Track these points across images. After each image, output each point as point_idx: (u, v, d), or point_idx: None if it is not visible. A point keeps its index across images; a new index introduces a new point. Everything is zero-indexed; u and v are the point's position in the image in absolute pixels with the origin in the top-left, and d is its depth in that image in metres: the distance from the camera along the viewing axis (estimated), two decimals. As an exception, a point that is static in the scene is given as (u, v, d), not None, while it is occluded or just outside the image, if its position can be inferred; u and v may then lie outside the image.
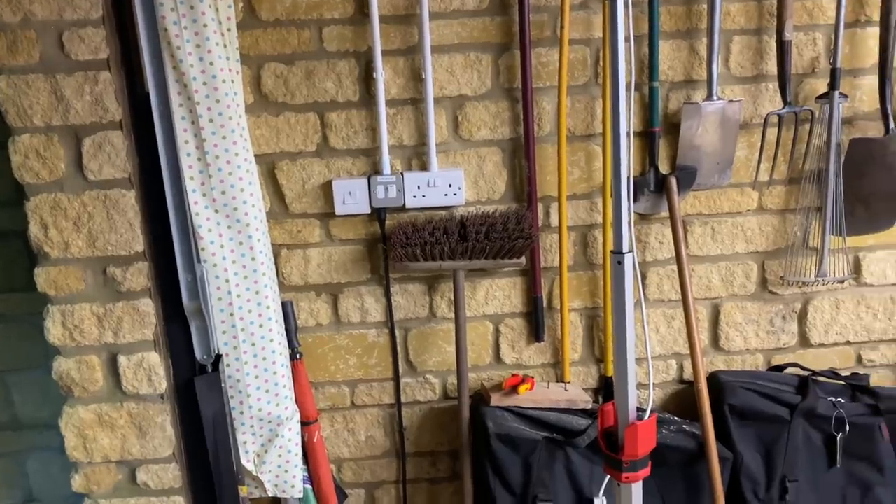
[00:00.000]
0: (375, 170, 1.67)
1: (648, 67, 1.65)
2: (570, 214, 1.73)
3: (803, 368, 1.77)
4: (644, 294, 1.78)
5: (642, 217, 1.75)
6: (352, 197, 1.66)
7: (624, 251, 1.23)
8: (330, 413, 1.82)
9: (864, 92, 1.70)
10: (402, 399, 1.81)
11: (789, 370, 1.78)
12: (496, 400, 1.66)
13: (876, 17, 1.64)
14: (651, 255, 1.77)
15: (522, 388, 1.66)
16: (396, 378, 1.79)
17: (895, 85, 1.64)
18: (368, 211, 1.68)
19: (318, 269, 1.73)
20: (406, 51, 1.63)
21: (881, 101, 1.66)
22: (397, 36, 1.62)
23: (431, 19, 1.61)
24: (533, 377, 1.75)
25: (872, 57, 1.67)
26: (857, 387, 1.72)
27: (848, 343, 1.85)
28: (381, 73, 1.60)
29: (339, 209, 1.67)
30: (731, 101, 1.66)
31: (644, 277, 1.78)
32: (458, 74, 1.65)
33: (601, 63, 1.66)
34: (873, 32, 1.65)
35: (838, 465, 1.64)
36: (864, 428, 1.64)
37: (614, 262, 1.24)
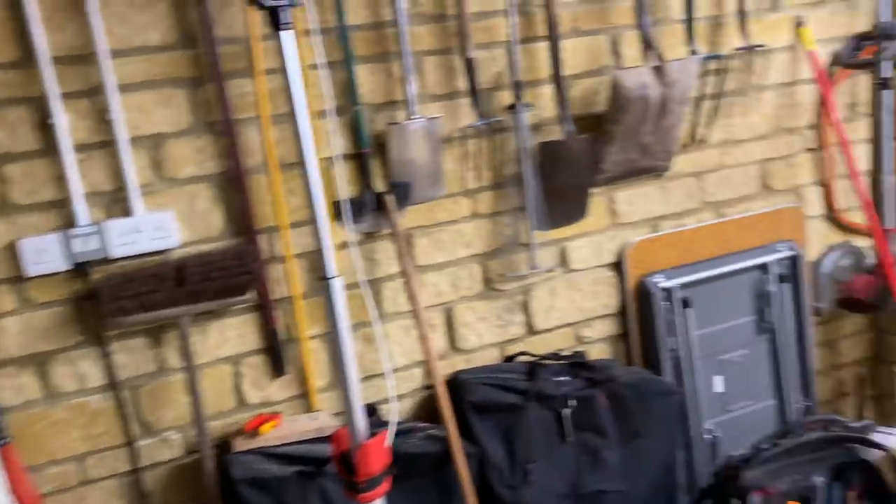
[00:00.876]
0: (70, 222, 1.53)
1: (349, 91, 1.69)
2: (296, 242, 1.72)
3: (531, 355, 1.93)
4: (380, 309, 1.82)
5: (369, 236, 1.79)
6: (45, 255, 1.50)
7: (330, 276, 1.24)
8: (58, 496, 1.63)
9: (545, 99, 1.89)
10: (142, 463, 1.68)
11: (520, 359, 1.93)
12: (240, 445, 1.60)
13: (544, 32, 1.83)
14: (382, 270, 1.81)
15: (266, 428, 1.61)
16: (130, 442, 1.66)
17: (567, 92, 1.84)
18: (67, 267, 1.53)
19: (17, 340, 1.54)
20: (89, 92, 1.51)
21: (559, 107, 1.86)
22: (77, 77, 1.50)
23: (113, 57, 1.51)
24: (280, 413, 1.71)
25: (546, 68, 1.86)
26: (577, 364, 1.90)
27: (568, 325, 2.05)
28: (61, 118, 1.47)
29: (32, 270, 1.50)
30: (431, 118, 1.75)
31: (378, 293, 1.82)
32: (151, 112, 1.56)
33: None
34: (544, 46, 1.84)
35: (570, 438, 1.80)
36: (586, 400, 1.81)
37: (324, 287, 1.25)
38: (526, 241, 1.92)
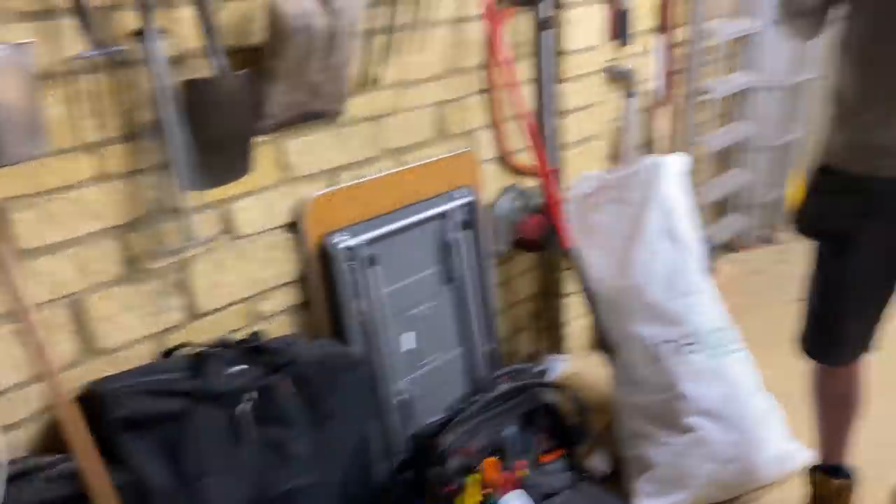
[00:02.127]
0: None
1: None
2: None
3: (195, 345, 1.58)
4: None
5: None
6: None
7: None
8: None
9: (185, 25, 1.50)
10: None
11: (181, 352, 1.57)
12: None
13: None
14: (-32, 260, 1.30)
15: None
16: None
17: (212, 17, 1.47)
18: None
19: None
20: None
21: (205, 35, 1.48)
22: None
23: None
24: None
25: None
26: (252, 348, 1.61)
27: (241, 301, 1.73)
28: None
29: None
30: (18, 44, 1.26)
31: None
32: None
33: None
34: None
35: (250, 438, 1.51)
36: (267, 389, 1.54)
37: None
38: (177, 206, 1.54)
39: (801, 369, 1.75)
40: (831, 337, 1.62)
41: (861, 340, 1.62)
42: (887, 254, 1.45)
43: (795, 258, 1.91)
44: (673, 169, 2.07)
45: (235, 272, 1.70)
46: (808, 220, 1.56)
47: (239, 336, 1.67)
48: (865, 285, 1.52)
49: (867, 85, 1.37)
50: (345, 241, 1.83)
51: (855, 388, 1.72)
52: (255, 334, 1.67)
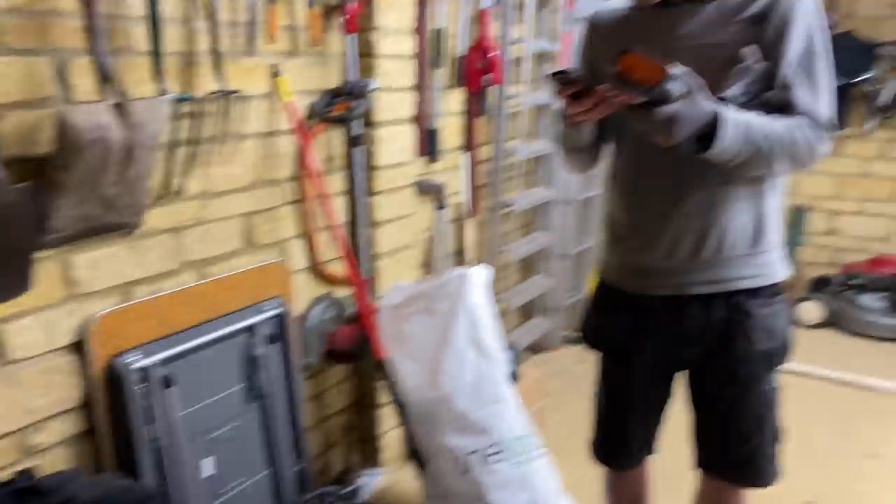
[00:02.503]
0: None
1: None
2: None
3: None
4: None
5: None
6: None
7: None
8: None
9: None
10: None
11: (-73, 502, 1.35)
12: None
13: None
14: None
15: None
16: None
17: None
18: None
19: None
20: None
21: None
22: None
23: None
24: None
25: (-43, 91, 1.35)
26: (20, 490, 1.41)
27: (7, 434, 1.53)
28: None
29: None
30: None
31: None
32: None
33: None
34: (-49, 61, 1.33)
35: None
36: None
37: None
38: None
39: (598, 471, 1.85)
40: (617, 443, 1.74)
41: (645, 444, 1.76)
42: (661, 364, 1.60)
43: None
44: (478, 280, 2.17)
45: (4, 402, 1.51)
46: (589, 334, 1.70)
47: (4, 476, 1.47)
48: (644, 394, 1.66)
49: (631, 213, 1.55)
50: (137, 362, 1.70)
51: (644, 489, 1.85)
52: (25, 472, 1.48)
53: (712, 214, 1.43)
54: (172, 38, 1.74)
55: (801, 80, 1.36)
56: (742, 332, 1.47)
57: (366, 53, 2.28)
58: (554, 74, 1.34)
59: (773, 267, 1.49)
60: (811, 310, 4.04)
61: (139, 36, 1.66)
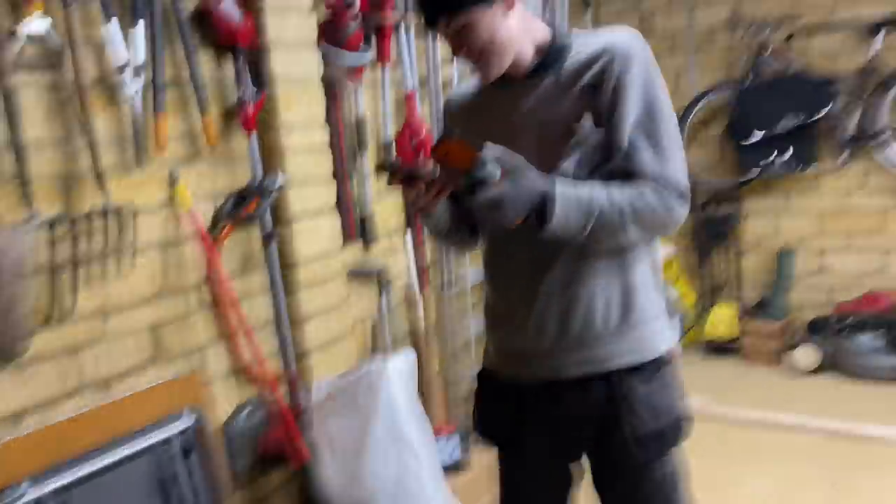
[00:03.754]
0: None
1: None
2: None
3: None
4: None
5: None
6: None
7: None
8: None
9: None
10: None
11: None
12: None
13: None
14: None
15: None
16: None
17: None
18: None
19: None
20: None
21: None
22: None
23: None
24: None
25: None
26: None
27: None
28: None
29: None
30: None
31: None
32: None
33: None
34: None
35: None
36: None
37: None
38: None
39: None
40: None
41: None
42: (552, 452, 1.49)
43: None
44: (398, 370, 2.09)
45: None
46: (478, 426, 1.59)
47: None
48: (541, 483, 1.54)
49: (499, 295, 1.47)
50: (26, 496, 1.64)
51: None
52: None
53: (574, 290, 1.35)
54: (52, 159, 1.75)
55: (643, 145, 1.29)
56: (625, 413, 1.36)
57: (273, 149, 2.28)
58: (379, 166, 1.30)
59: (652, 341, 1.39)
60: (807, 355, 3.84)
61: (6, 162, 1.66)
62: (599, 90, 1.30)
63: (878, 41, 3.66)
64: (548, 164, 1.29)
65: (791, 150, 3.90)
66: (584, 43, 1.35)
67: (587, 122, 1.30)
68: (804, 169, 3.93)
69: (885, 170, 3.87)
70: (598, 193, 1.26)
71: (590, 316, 1.35)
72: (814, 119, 3.80)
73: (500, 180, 1.19)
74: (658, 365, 1.39)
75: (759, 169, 3.98)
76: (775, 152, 3.92)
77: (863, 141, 3.84)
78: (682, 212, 1.31)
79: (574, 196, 1.24)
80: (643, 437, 1.36)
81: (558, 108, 1.33)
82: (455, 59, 1.56)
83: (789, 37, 3.91)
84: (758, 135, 3.89)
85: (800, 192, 4.16)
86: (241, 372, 2.24)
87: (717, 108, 4.18)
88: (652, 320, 1.39)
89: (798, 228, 4.22)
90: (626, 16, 4.38)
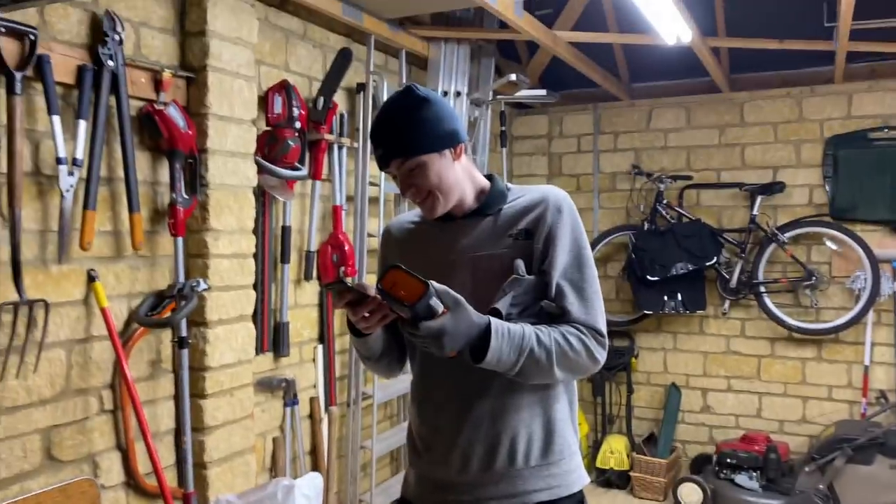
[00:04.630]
0: None
1: None
2: None
3: None
4: None
5: None
6: None
7: None
8: None
9: None
10: None
11: None
12: None
13: None
14: None
15: None
16: None
17: None
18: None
19: None
20: None
21: None
22: None
23: None
24: None
25: None
26: None
27: None
28: None
29: None
30: None
31: None
32: None
33: None
34: None
35: None
36: None
37: None
38: None
39: None
40: None
41: None
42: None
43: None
44: (305, 491, 2.04)
45: None
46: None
47: None
48: None
49: (424, 424, 1.50)
50: None
51: None
52: None
53: (501, 423, 1.41)
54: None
55: (570, 292, 1.40)
56: (543, 547, 1.39)
57: (199, 254, 2.27)
58: (328, 285, 1.33)
59: (571, 476, 1.45)
60: (691, 493, 3.99)
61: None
62: (533, 236, 1.41)
63: (756, 206, 4.10)
64: (483, 302, 1.37)
65: (681, 294, 4.21)
66: (521, 192, 1.48)
67: (520, 266, 1.40)
68: (692, 311, 4.23)
69: (762, 320, 4.22)
70: (529, 334, 1.34)
71: (514, 450, 1.40)
72: (701, 267, 4.14)
73: (442, 314, 1.26)
74: (577, 499, 1.44)
75: (653, 308, 4.26)
76: (667, 294, 4.22)
77: (743, 292, 4.20)
78: (602, 355, 1.41)
79: (507, 335, 1.32)
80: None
81: (496, 248, 1.43)
82: (403, 197, 1.64)
83: (683, 190, 4.32)
84: (653, 276, 4.19)
85: (687, 334, 4.46)
86: (136, 482, 2.11)
87: (618, 246, 4.50)
88: (570, 457, 1.45)
89: (685, 367, 4.48)
90: (536, 157, 4.74)
